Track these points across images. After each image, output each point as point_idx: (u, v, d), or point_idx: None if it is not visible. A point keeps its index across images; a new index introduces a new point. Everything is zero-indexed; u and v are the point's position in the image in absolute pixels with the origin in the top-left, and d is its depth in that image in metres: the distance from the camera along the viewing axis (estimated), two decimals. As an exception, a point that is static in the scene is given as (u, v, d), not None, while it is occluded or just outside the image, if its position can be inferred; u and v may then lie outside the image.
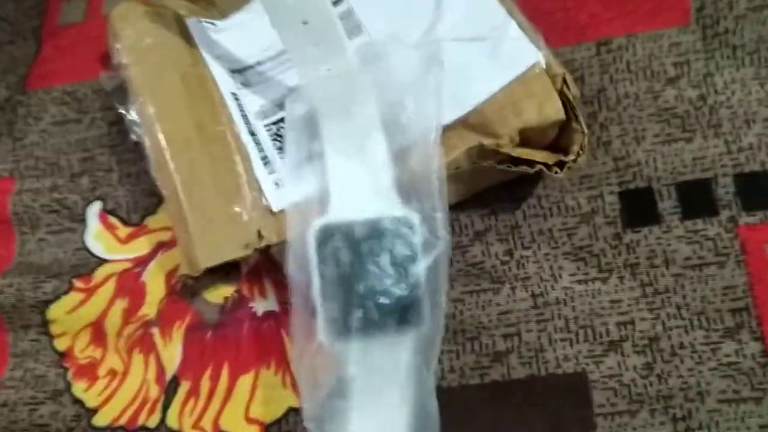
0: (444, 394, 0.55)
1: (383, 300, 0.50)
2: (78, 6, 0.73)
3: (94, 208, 0.64)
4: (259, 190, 0.55)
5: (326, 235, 0.50)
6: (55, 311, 0.62)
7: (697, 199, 0.57)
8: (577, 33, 0.63)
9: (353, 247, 0.50)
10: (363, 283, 0.50)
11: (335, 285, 0.50)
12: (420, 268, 0.50)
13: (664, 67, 0.60)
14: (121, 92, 0.60)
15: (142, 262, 0.62)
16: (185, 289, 0.60)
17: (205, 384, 0.58)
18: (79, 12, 0.73)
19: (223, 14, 0.63)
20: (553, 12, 0.63)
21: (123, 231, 0.63)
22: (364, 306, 0.50)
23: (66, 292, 0.62)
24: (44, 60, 0.71)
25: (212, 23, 0.62)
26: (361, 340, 0.50)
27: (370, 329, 0.50)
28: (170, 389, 0.59)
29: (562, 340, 0.55)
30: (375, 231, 0.50)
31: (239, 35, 0.61)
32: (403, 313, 0.50)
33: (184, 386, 0.58)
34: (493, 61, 0.54)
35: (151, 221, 0.63)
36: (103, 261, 0.62)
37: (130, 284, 0.61)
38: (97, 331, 0.61)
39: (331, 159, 0.52)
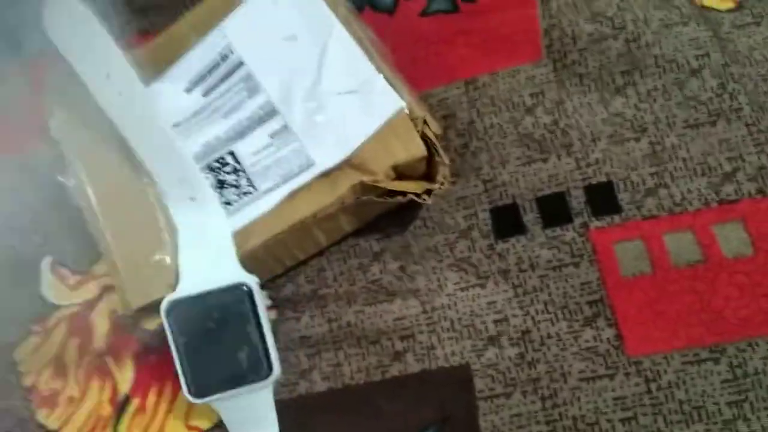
0: (352, 391, 0.62)
1: (233, 360, 0.58)
2: (22, 82, 0.79)
3: (46, 262, 0.71)
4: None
5: (174, 309, 0.59)
6: (20, 353, 0.69)
7: (554, 210, 0.64)
8: (448, 74, 0.70)
9: (198, 317, 0.59)
10: (213, 347, 0.59)
11: (189, 350, 0.58)
12: (263, 324, 0.59)
13: (523, 98, 0.68)
14: (60, 162, 0.67)
15: (90, 305, 0.68)
16: (126, 322, 0.67)
17: (151, 399, 0.65)
18: (25, 88, 0.79)
19: (144, 84, 0.69)
20: (427, 57, 0.70)
21: (73, 279, 0.70)
22: (218, 366, 0.59)
23: (26, 337, 0.69)
24: (-4, 133, 0.77)
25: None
26: (223, 393, 0.59)
27: (228, 385, 0.59)
28: (122, 407, 0.65)
29: (449, 338, 0.62)
30: (215, 299, 0.59)
31: (158, 102, 0.67)
32: (255, 366, 0.59)
33: (134, 403, 0.65)
34: (366, 110, 0.61)
35: (97, 268, 0.70)
36: (56, 307, 0.69)
37: (79, 324, 0.68)
38: (58, 365, 0.68)
39: (182, 240, 0.60)
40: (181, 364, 0.58)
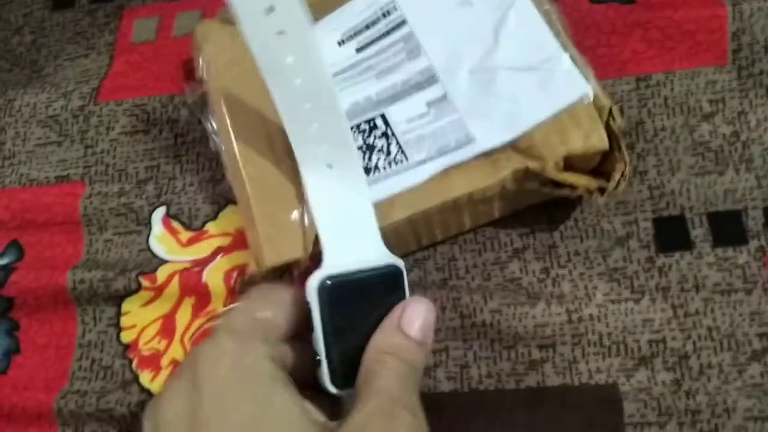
0: (480, 397, 0.55)
1: None
2: (149, 25, 0.73)
3: (159, 213, 0.64)
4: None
5: (326, 286, 0.49)
6: (128, 305, 0.62)
7: (727, 228, 0.56)
8: (618, 67, 0.62)
9: (351, 299, 0.49)
10: (363, 334, 0.49)
11: (340, 335, 0.49)
12: None
13: (700, 103, 0.60)
14: (202, 103, 0.60)
15: (201, 264, 0.61)
16: (243, 288, 0.59)
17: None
18: (151, 31, 0.73)
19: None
20: (597, 47, 0.63)
21: (185, 235, 0.63)
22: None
23: (136, 291, 0.62)
24: (116, 74, 0.71)
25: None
26: None
27: None
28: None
29: (595, 353, 0.55)
30: (369, 281, 0.50)
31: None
32: None
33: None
34: (545, 91, 0.54)
35: (212, 227, 0.63)
36: (164, 261, 0.62)
37: (193, 283, 0.61)
38: (167, 324, 0.61)
39: (319, 212, 0.52)
40: (327, 350, 0.49)
